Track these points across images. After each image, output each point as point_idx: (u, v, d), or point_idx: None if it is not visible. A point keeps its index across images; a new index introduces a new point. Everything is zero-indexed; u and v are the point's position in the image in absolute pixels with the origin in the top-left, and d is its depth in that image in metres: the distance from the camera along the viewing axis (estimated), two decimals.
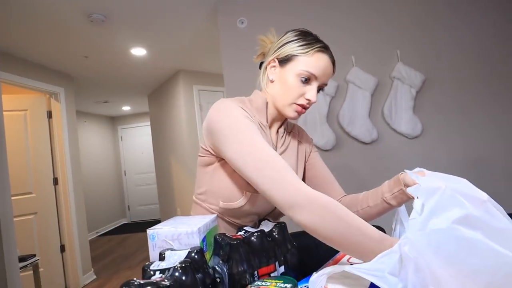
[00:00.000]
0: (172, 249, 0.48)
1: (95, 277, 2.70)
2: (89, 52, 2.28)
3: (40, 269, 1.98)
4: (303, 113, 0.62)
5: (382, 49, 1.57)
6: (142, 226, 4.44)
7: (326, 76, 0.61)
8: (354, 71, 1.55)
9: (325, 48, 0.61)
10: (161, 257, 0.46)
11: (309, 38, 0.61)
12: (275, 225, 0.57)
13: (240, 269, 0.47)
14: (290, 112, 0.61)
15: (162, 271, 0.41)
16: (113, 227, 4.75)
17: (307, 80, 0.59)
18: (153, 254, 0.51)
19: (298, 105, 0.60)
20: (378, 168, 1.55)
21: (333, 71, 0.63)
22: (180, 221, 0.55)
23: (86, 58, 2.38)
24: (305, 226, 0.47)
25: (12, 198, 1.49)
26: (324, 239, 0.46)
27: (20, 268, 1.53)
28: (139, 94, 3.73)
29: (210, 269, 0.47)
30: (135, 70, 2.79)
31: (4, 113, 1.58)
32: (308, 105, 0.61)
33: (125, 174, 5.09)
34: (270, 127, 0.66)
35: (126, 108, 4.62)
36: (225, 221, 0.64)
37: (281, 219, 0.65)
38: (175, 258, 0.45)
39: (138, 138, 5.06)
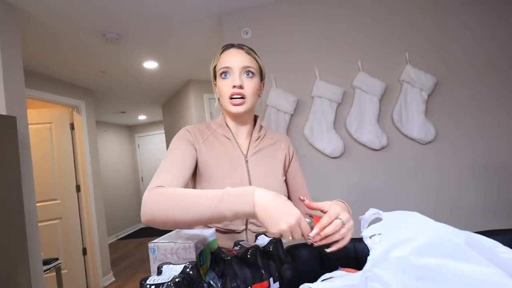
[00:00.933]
0: (169, 263, 0.51)
1: (114, 279, 2.82)
2: (106, 67, 2.43)
3: (64, 271, 2.12)
4: (239, 104, 0.65)
5: (389, 52, 1.53)
6: (158, 230, 4.57)
7: (239, 60, 0.66)
8: (360, 76, 1.52)
9: (230, 45, 0.70)
10: (159, 271, 0.49)
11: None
12: (270, 240, 0.58)
13: (233, 285, 0.48)
14: (230, 107, 0.67)
15: (157, 286, 0.44)
16: (131, 231, 4.94)
17: (226, 74, 0.67)
18: (154, 267, 0.54)
19: (230, 97, 0.66)
20: (389, 176, 1.50)
21: (253, 57, 0.68)
22: (180, 235, 0.58)
23: (103, 73, 2.54)
24: (147, 218, 0.53)
25: (39, 204, 1.62)
26: (169, 221, 0.51)
27: (44, 271, 1.64)
28: (153, 104, 3.90)
29: (205, 284, 0.49)
30: (148, 82, 2.92)
31: (31, 126, 1.73)
32: (238, 91, 0.65)
33: (142, 180, 5.29)
34: (237, 136, 0.73)
35: (142, 117, 4.82)
36: (221, 232, 0.68)
37: None
38: (171, 273, 0.47)
39: (154, 146, 5.25)
